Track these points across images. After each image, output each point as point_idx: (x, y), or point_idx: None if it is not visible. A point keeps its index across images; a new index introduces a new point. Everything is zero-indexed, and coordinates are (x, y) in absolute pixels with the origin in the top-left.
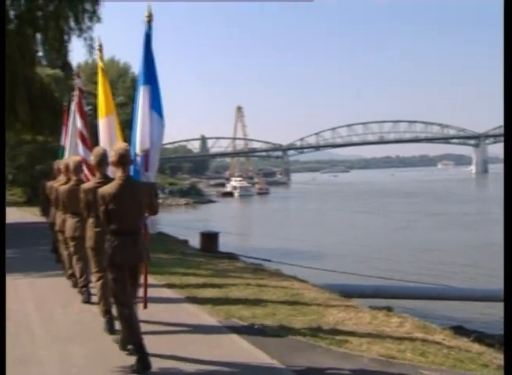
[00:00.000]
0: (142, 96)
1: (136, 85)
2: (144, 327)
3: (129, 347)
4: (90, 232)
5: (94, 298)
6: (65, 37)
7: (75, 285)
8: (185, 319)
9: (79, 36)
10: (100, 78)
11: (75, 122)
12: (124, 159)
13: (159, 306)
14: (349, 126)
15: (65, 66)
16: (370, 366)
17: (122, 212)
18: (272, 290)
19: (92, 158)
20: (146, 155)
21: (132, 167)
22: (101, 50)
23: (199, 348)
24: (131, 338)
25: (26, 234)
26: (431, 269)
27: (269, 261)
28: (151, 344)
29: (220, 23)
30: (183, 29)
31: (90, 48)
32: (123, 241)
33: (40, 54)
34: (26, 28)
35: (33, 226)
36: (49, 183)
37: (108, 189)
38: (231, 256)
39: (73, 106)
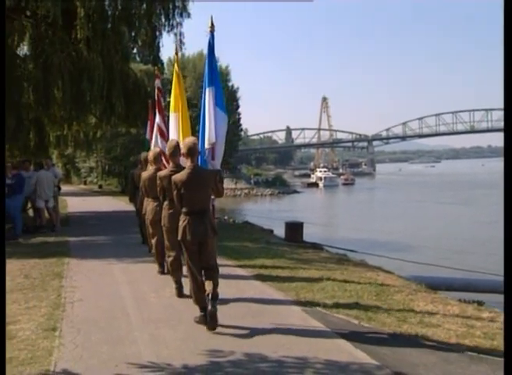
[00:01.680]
0: (208, 97)
1: (202, 87)
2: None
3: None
4: (164, 213)
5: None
6: (157, 34)
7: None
8: (268, 301)
9: (169, 31)
10: (174, 80)
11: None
12: (192, 151)
13: (242, 283)
14: (437, 115)
15: (156, 61)
16: (460, 361)
17: (191, 195)
18: (356, 280)
19: (167, 150)
20: (212, 146)
21: (200, 157)
22: (177, 54)
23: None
24: (194, 293)
25: (119, 222)
26: None
27: (354, 251)
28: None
29: (303, 15)
30: (270, 25)
31: (180, 42)
32: (192, 220)
33: (134, 50)
34: (121, 26)
35: (126, 214)
36: (137, 173)
37: (179, 176)
38: (315, 246)
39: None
